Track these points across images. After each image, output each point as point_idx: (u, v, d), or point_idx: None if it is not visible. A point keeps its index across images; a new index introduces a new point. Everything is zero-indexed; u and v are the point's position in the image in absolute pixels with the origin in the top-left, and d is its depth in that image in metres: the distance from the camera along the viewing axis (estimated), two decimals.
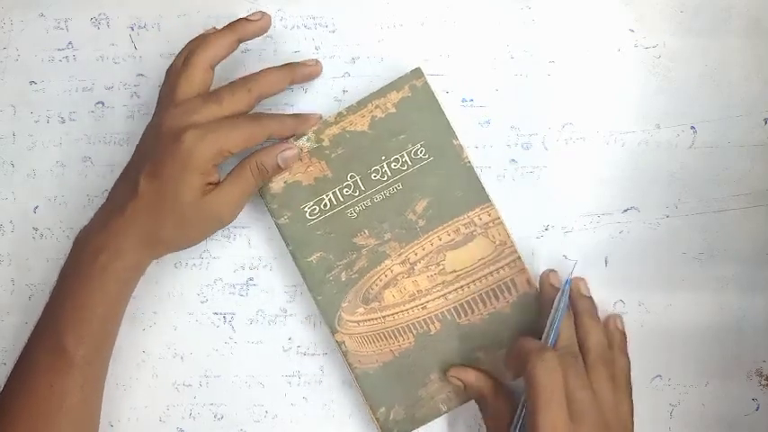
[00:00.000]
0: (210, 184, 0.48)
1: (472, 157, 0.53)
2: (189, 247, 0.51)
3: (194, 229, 0.49)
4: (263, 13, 0.51)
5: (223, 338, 0.54)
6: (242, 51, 0.54)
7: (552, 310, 0.49)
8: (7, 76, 0.55)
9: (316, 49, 0.55)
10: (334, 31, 0.55)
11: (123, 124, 0.55)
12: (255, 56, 0.55)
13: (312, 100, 0.54)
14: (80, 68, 0.55)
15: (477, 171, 0.53)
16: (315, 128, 0.52)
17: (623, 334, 0.51)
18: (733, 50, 0.54)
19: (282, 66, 0.51)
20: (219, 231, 0.53)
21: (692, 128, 0.53)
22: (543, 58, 0.54)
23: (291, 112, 0.54)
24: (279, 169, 0.50)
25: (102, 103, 0.55)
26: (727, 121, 0.53)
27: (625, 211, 0.53)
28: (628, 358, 0.50)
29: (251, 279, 0.54)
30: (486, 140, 0.54)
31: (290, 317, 0.54)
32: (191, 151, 0.47)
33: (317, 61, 0.54)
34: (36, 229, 0.54)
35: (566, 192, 0.54)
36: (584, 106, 0.54)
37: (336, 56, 0.55)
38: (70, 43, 0.55)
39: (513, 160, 0.54)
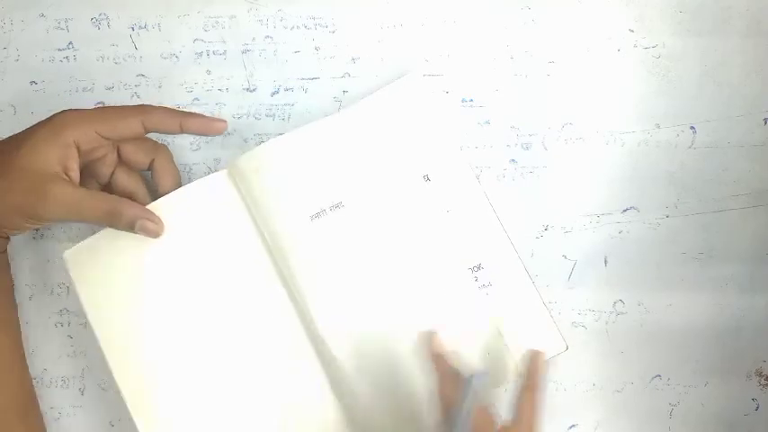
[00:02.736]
0: (65, 175, 0.47)
1: (472, 158, 0.53)
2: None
3: (9, 199, 0.46)
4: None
5: None
6: (242, 52, 0.54)
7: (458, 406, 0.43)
8: (7, 76, 0.55)
9: (316, 49, 0.55)
10: (334, 32, 0.55)
11: None
12: (256, 56, 0.55)
13: (312, 100, 0.54)
14: (80, 68, 0.55)
15: (477, 171, 0.53)
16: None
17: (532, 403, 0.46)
18: (733, 50, 0.54)
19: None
20: None
21: (692, 128, 0.53)
22: (543, 58, 0.54)
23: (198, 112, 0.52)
24: (130, 229, 0.48)
25: (103, 104, 0.55)
26: (727, 121, 0.53)
27: (625, 211, 0.53)
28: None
29: None
30: (486, 140, 0.54)
31: None
32: (63, 121, 0.47)
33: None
34: (36, 230, 0.54)
35: (566, 192, 0.54)
36: (584, 106, 0.54)
37: (336, 56, 0.55)
38: (70, 43, 0.55)
39: (513, 160, 0.54)
